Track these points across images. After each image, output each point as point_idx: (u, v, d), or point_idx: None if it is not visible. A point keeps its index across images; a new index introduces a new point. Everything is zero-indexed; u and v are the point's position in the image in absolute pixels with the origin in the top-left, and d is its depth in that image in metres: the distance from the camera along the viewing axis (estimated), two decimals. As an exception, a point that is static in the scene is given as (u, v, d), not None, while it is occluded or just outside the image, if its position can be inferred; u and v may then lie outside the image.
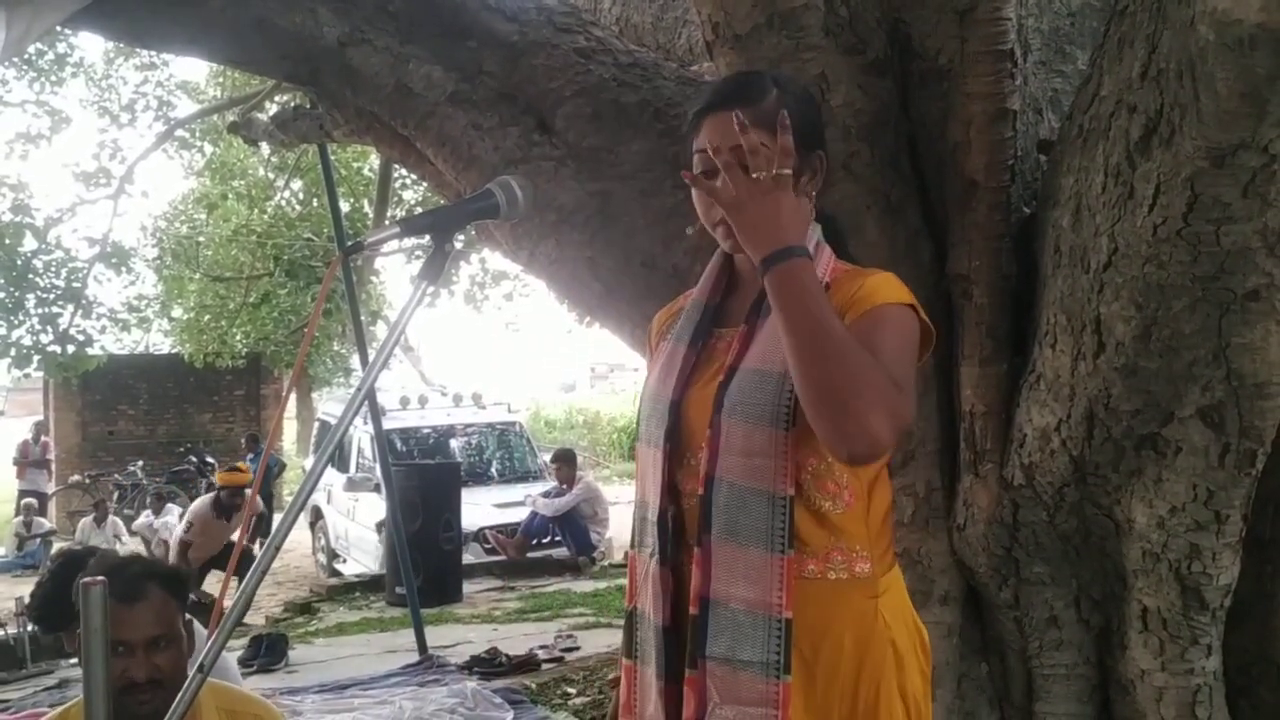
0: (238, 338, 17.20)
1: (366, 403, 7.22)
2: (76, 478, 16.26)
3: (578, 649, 6.31)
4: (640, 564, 1.74)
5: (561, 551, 9.93)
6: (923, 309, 1.67)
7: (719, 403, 1.62)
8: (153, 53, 12.76)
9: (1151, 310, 2.19)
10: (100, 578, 1.45)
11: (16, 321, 10.52)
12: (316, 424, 15.81)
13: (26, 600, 4.09)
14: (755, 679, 1.56)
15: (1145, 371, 2.28)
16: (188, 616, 2.34)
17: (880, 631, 1.61)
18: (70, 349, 10.54)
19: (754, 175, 1.57)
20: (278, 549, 1.51)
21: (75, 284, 10.79)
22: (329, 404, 16.70)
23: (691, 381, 1.71)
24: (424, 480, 8.90)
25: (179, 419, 19.06)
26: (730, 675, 1.58)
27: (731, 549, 1.59)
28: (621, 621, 1.84)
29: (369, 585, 9.14)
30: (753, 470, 1.58)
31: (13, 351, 10.53)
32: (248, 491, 9.24)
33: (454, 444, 12.27)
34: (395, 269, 18.88)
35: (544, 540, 10.10)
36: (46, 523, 14.23)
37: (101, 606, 1.42)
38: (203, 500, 9.58)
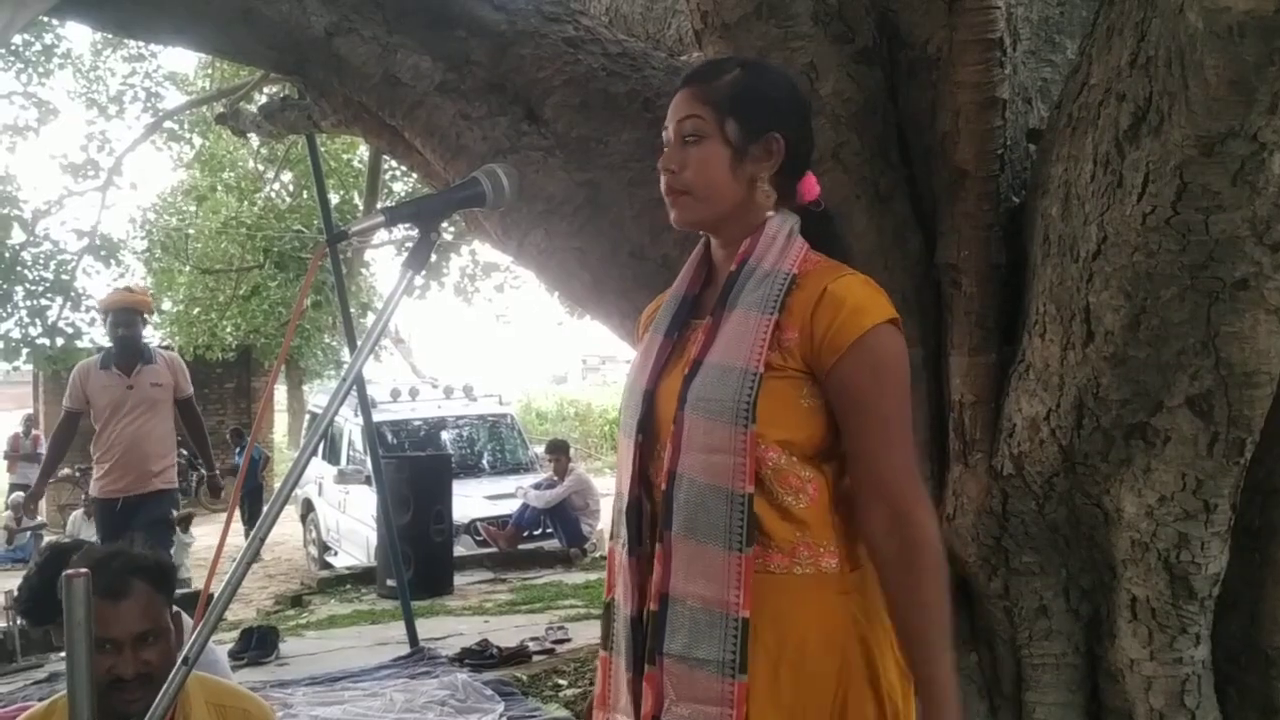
0: (228, 330, 17.18)
1: (357, 394, 7.22)
2: (67, 471, 16.20)
3: (569, 641, 6.31)
4: (617, 554, 1.73)
5: (553, 543, 9.93)
6: (896, 309, 1.66)
7: (682, 397, 1.62)
8: (140, 43, 12.72)
9: (1140, 299, 2.18)
10: (84, 570, 1.45)
11: (5, 314, 10.48)
12: (307, 416, 15.80)
13: (15, 594, 4.08)
14: (711, 678, 1.55)
15: (1134, 361, 2.28)
16: (175, 609, 2.32)
17: (848, 628, 1.59)
18: (59, 341, 10.50)
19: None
20: (263, 540, 1.50)
21: (64, 276, 10.75)
22: (319, 396, 16.68)
23: (664, 372, 1.70)
24: (415, 472, 8.88)
25: (169, 412, 18.94)
26: (687, 673, 1.57)
27: (690, 546, 1.58)
28: (612, 614, 1.83)
29: (360, 578, 9.12)
30: (712, 467, 1.57)
31: (1, 344, 10.49)
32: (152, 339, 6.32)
33: (445, 436, 12.26)
34: (385, 260, 18.86)
35: (535, 532, 10.10)
36: (37, 516, 14.18)
37: (85, 599, 1.41)
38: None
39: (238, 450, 14.40)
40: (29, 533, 13.34)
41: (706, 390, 1.59)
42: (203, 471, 6.18)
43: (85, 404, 5.94)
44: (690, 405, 1.60)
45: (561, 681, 5.50)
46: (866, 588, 1.63)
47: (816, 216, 1.75)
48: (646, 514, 1.67)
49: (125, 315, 5.97)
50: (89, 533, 11.82)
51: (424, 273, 1.63)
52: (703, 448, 1.58)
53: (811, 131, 1.78)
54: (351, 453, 11.66)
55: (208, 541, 12.09)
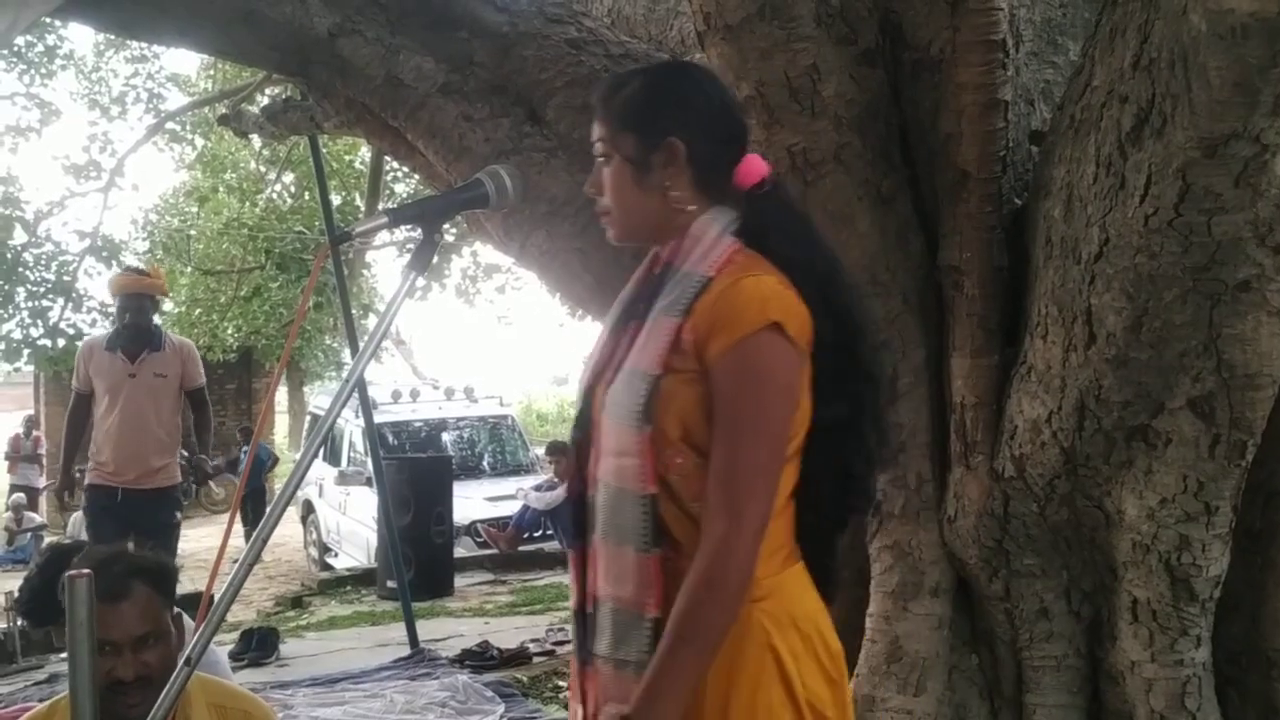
0: (229, 331, 17.18)
1: (358, 396, 7.21)
2: (68, 471, 16.19)
3: (569, 642, 6.29)
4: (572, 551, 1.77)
5: (553, 545, 9.92)
6: (795, 320, 1.58)
7: (603, 402, 1.64)
8: (143, 44, 12.73)
9: (1142, 301, 2.18)
10: (86, 571, 1.45)
11: (6, 315, 10.50)
12: (308, 417, 15.80)
13: (16, 595, 4.07)
14: (631, 679, 1.56)
15: (1136, 362, 2.28)
16: (176, 610, 2.32)
17: (755, 637, 1.56)
18: (61, 343, 10.50)
19: None
20: (265, 541, 1.50)
21: (65, 277, 10.77)
22: (320, 398, 16.69)
23: (600, 375, 1.72)
24: (415, 474, 8.89)
25: (170, 413, 18.95)
26: (612, 674, 1.60)
27: (609, 549, 1.61)
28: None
29: (360, 579, 9.13)
30: (620, 470, 1.59)
31: (2, 345, 10.50)
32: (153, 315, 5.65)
33: (446, 437, 12.26)
34: (386, 262, 18.88)
35: (536, 534, 10.10)
36: (37, 517, 14.18)
37: (87, 600, 1.41)
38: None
39: (244, 450, 14.42)
40: (29, 534, 13.35)
41: (616, 395, 1.61)
42: (206, 469, 5.90)
43: (90, 384, 5.49)
44: (606, 410, 1.63)
45: (562, 683, 5.49)
46: (779, 595, 1.61)
47: (761, 199, 1.69)
48: (588, 511, 1.70)
49: (135, 300, 5.47)
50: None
51: (425, 274, 1.63)
52: (613, 451, 1.60)
53: (730, 121, 1.73)
54: (352, 454, 11.66)
55: (208, 543, 12.10)
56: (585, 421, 1.71)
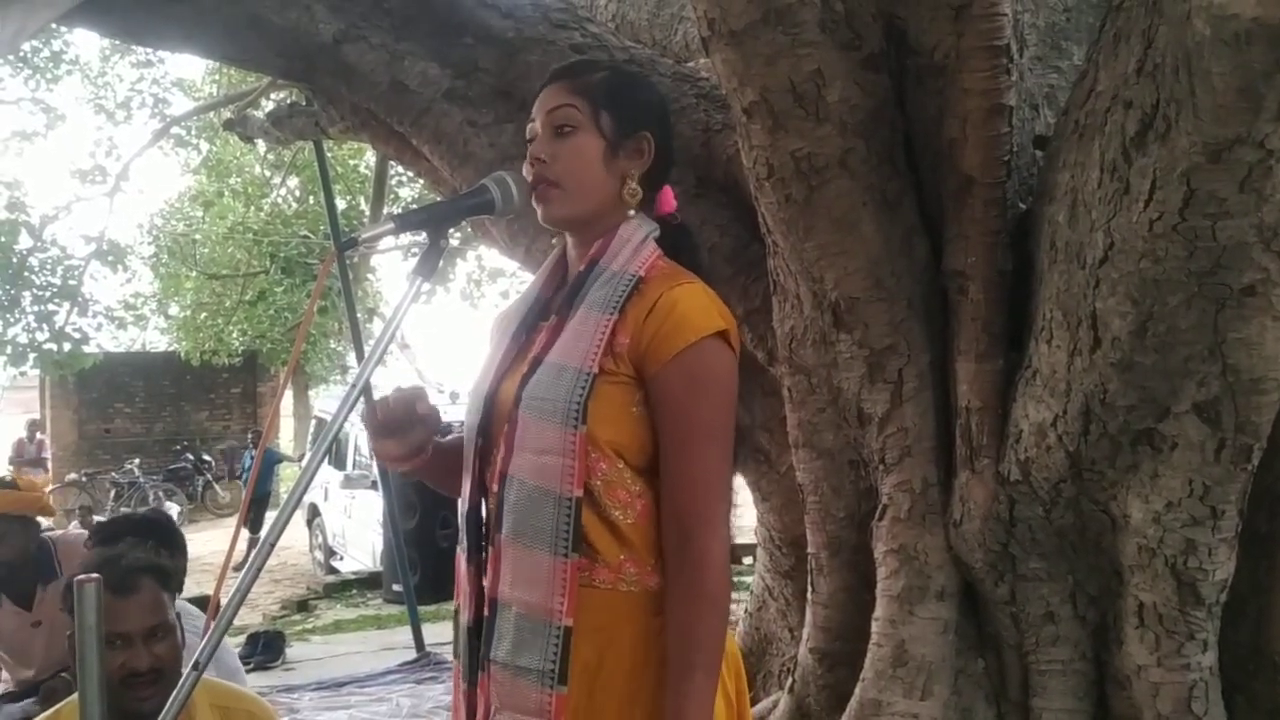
0: (234, 335, 17.24)
1: (364, 400, 7.20)
2: (73, 476, 16.25)
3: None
4: (459, 561, 1.69)
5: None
6: (732, 327, 1.59)
7: (517, 397, 1.58)
8: (148, 50, 12.77)
9: (1147, 305, 2.18)
10: (94, 575, 1.46)
11: (12, 319, 10.52)
12: (313, 421, 15.82)
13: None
14: (532, 687, 1.51)
15: (1141, 367, 2.28)
16: (177, 611, 2.35)
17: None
18: (66, 347, 10.52)
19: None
20: (273, 546, 1.50)
21: (71, 282, 10.78)
22: (325, 401, 16.72)
23: (507, 375, 1.67)
24: (421, 477, 8.88)
25: (176, 417, 19.08)
26: (510, 681, 1.54)
27: (518, 550, 1.54)
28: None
29: (366, 582, 9.14)
30: (542, 469, 1.53)
31: (8, 349, 10.52)
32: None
33: (451, 441, 12.25)
34: (391, 266, 18.94)
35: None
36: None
37: (96, 604, 1.42)
38: None
39: (247, 453, 14.47)
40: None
41: (540, 390, 1.56)
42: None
43: None
44: (524, 405, 1.56)
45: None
46: None
47: (673, 229, 1.71)
48: (484, 520, 1.64)
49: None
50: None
51: (431, 279, 1.62)
52: (533, 449, 1.54)
53: (672, 145, 1.74)
54: (357, 457, 11.67)
55: (213, 546, 12.12)
56: (487, 427, 1.64)
